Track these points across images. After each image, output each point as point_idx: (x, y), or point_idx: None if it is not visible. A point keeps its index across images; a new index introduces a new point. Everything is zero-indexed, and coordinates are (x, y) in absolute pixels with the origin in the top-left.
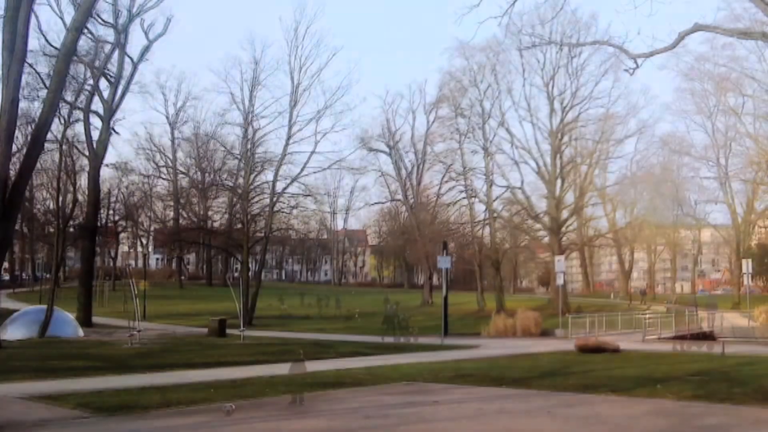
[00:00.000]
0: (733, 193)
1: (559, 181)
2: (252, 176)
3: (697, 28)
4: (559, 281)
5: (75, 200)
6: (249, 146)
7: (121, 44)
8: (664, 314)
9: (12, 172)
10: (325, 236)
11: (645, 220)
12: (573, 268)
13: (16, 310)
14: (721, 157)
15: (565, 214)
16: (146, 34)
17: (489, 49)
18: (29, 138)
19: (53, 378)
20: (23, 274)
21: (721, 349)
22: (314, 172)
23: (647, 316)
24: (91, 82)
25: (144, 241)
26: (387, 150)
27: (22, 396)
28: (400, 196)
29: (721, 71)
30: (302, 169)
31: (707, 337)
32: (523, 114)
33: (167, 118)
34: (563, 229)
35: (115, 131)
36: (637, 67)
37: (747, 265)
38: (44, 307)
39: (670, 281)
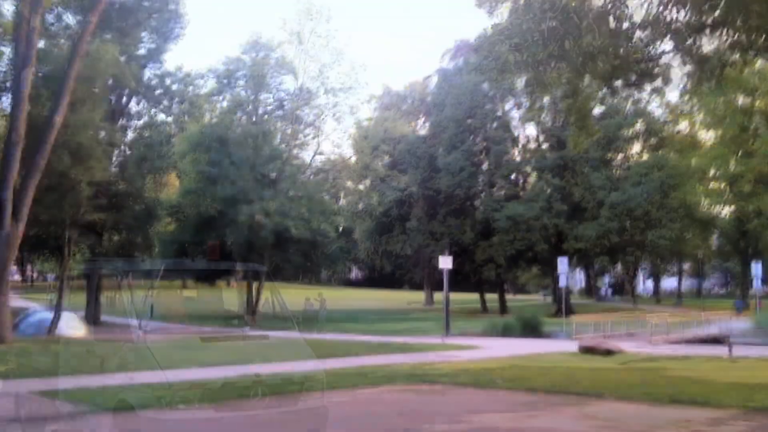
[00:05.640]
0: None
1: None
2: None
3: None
4: (562, 282)
5: (81, 201)
6: (253, 147)
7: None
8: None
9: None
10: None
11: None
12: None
13: (26, 309)
14: None
15: None
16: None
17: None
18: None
19: (62, 375)
20: (33, 274)
21: None
22: (315, 174)
23: (654, 318)
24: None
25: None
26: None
27: (33, 392)
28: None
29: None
30: (305, 171)
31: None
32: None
33: (173, 118)
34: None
35: (124, 134)
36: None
37: (757, 268)
38: (53, 306)
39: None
